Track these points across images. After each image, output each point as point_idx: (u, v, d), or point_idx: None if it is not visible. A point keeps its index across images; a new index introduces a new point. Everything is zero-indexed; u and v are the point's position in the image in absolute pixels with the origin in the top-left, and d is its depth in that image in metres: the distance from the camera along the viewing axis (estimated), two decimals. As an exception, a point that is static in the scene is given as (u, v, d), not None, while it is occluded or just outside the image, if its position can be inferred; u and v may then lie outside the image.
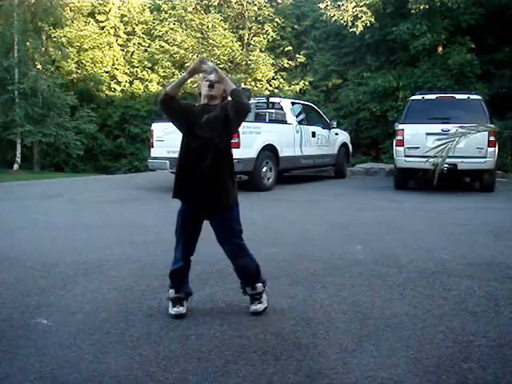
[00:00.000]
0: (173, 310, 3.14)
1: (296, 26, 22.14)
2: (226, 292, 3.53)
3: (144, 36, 24.87)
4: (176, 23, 23.21)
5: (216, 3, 22.91)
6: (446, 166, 8.51)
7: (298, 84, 20.94)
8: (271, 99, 11.40)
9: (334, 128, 12.70)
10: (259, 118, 10.82)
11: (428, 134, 9.44)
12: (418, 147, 9.46)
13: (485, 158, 9.24)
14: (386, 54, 19.00)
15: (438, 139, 6.24)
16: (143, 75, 24.18)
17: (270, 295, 3.33)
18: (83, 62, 23.70)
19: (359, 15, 17.32)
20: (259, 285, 3.20)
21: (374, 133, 18.48)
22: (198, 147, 3.02)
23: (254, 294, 3.19)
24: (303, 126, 11.32)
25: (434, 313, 3.18)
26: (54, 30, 22.48)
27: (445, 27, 16.49)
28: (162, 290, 3.60)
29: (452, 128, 8.61)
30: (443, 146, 3.43)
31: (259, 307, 3.17)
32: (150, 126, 10.47)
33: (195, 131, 3.03)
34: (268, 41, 22.28)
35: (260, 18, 22.57)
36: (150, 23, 24.70)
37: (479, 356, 2.57)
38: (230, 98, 3.02)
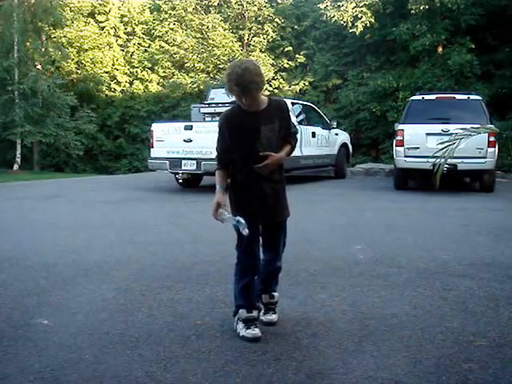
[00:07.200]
0: (248, 333, 2.78)
1: (296, 27, 22.15)
2: (226, 292, 3.52)
3: (144, 36, 24.89)
4: (176, 23, 23.24)
5: (216, 3, 22.92)
6: (445, 166, 8.50)
7: (298, 84, 20.94)
8: (271, 99, 11.39)
9: (333, 128, 12.67)
10: None
11: (428, 134, 9.43)
12: (417, 147, 9.44)
13: (485, 158, 9.22)
14: (385, 55, 19.03)
15: (439, 140, 6.23)
16: (143, 75, 24.19)
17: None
18: (83, 62, 23.72)
19: (359, 15, 17.34)
20: (276, 294, 3.08)
21: (374, 133, 18.48)
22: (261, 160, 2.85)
23: (270, 303, 3.05)
24: (303, 126, 11.29)
25: (433, 313, 3.17)
26: (53, 31, 22.48)
27: (445, 27, 16.50)
28: (162, 291, 3.60)
29: (452, 128, 8.62)
30: (445, 148, 3.41)
31: (274, 318, 3.04)
32: (150, 126, 10.45)
33: (257, 147, 2.86)
34: (268, 41, 22.30)
35: (260, 18, 22.58)
36: (150, 23, 24.72)
37: (479, 356, 2.56)
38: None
